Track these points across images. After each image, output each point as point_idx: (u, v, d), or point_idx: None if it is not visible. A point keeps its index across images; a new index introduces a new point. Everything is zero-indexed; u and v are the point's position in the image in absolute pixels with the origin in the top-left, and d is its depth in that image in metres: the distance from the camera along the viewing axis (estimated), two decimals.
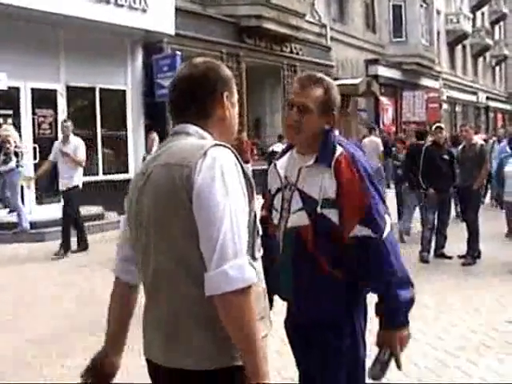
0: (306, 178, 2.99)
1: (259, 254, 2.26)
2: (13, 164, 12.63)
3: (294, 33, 22.96)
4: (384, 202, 2.94)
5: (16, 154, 12.72)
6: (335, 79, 26.72)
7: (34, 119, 14.67)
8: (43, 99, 14.93)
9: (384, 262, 2.83)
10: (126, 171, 17.10)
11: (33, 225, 13.08)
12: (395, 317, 2.88)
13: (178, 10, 17.00)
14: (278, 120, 23.36)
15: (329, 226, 2.88)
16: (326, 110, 2.99)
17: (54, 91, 15.20)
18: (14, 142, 12.84)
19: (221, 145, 2.19)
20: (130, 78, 17.27)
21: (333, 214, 2.88)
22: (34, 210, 14.27)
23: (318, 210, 2.90)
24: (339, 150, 2.92)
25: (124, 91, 17.23)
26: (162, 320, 2.22)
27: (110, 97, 16.96)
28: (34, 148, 14.47)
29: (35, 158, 14.40)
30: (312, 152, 2.98)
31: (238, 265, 2.03)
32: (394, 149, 15.73)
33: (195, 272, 2.10)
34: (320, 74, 3.10)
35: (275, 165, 3.16)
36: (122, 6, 15.29)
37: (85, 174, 15.49)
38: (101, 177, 16.36)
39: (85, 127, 16.24)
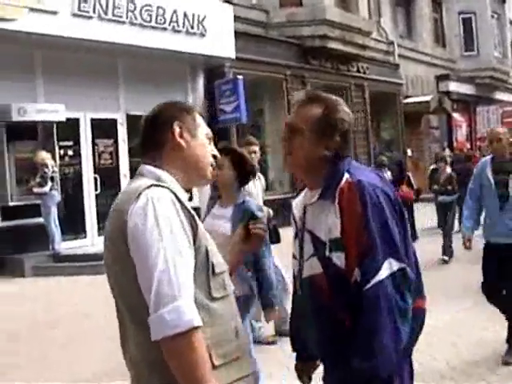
0: (313, 218, 2.53)
1: (223, 291, 2.18)
2: (47, 188, 12.65)
3: (361, 51, 22.48)
4: (391, 240, 2.37)
5: (52, 179, 12.76)
6: (405, 97, 26.21)
7: (94, 149, 14.56)
8: (103, 129, 14.83)
9: (360, 318, 2.33)
10: (190, 199, 16.85)
11: (94, 256, 12.88)
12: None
13: (238, 33, 16.77)
14: None
15: (338, 273, 2.39)
16: (324, 133, 2.48)
17: (114, 120, 15.08)
18: (52, 166, 12.83)
19: (157, 185, 2.15)
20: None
21: (338, 258, 2.38)
22: (96, 241, 14.07)
23: (327, 253, 2.41)
24: (345, 178, 2.42)
25: None
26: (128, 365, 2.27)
27: None
28: (95, 178, 14.37)
29: (96, 188, 14.30)
30: (318, 186, 2.51)
31: (175, 309, 1.96)
32: None
33: (140, 317, 2.05)
34: (323, 94, 2.62)
35: (291, 205, 2.74)
36: (179, 31, 15.08)
37: None
38: None
39: None
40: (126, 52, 14.44)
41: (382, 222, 2.35)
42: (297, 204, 2.70)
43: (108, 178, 14.62)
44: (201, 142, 2.34)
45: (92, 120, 14.46)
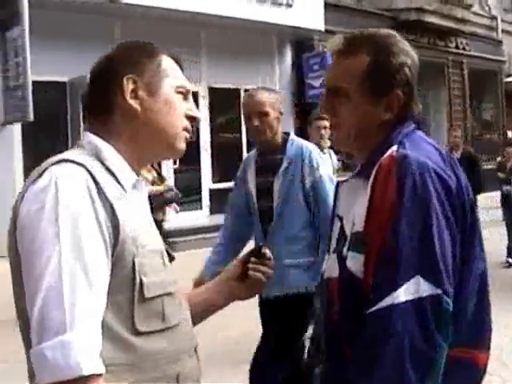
0: (343, 201, 1.83)
1: (159, 323, 1.53)
2: None
3: (460, 26, 21.34)
4: (429, 251, 1.55)
5: None
6: (508, 76, 24.83)
7: None
8: None
9: (357, 350, 1.59)
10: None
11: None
12: None
13: (328, 4, 16.05)
14: (443, 121, 21.79)
15: (351, 282, 1.65)
16: (379, 88, 1.74)
17: (196, 93, 14.57)
18: None
19: (70, 160, 1.50)
20: (277, 78, 16.45)
21: (353, 260, 1.65)
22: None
23: (344, 251, 1.70)
24: (391, 150, 1.67)
25: None
26: None
27: None
28: None
29: (175, 162, 13.93)
30: None
31: (62, 345, 1.32)
32: None
33: (27, 336, 1.44)
34: (368, 32, 1.84)
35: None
36: (264, 1, 14.49)
37: (227, 180, 15.05)
38: None
39: (229, 131, 15.74)
40: (209, 22, 13.95)
41: (422, 221, 1.57)
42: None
43: (187, 153, 14.24)
44: (166, 100, 1.68)
45: None
